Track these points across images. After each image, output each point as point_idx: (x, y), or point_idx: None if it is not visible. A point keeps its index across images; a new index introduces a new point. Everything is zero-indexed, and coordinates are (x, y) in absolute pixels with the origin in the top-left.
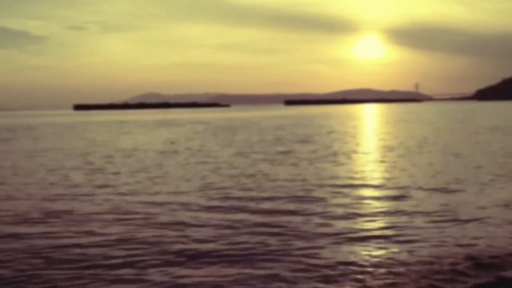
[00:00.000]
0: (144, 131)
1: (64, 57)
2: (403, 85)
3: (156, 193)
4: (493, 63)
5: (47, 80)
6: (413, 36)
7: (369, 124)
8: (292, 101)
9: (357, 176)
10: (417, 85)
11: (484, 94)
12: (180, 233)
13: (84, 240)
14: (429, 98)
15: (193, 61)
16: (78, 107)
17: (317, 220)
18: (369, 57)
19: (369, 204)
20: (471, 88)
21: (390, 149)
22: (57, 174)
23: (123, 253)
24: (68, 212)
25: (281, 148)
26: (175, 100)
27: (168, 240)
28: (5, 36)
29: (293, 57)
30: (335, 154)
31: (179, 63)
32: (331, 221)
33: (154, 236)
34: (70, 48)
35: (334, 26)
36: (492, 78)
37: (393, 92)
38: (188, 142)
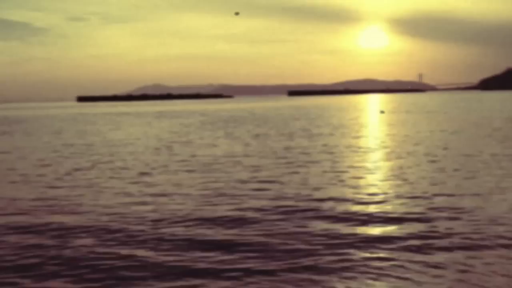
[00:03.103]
0: (146, 123)
1: (66, 49)
2: (407, 75)
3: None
4: (497, 53)
5: (50, 71)
6: (417, 26)
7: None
8: (295, 91)
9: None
10: (420, 75)
11: (488, 84)
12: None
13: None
14: (432, 88)
15: (196, 52)
16: (81, 99)
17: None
18: (373, 47)
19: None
20: (475, 77)
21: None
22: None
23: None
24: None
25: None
26: (178, 92)
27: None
28: (7, 27)
29: (297, 48)
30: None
31: (182, 54)
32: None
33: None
34: (71, 40)
35: (337, 16)
36: (496, 68)
37: (396, 82)
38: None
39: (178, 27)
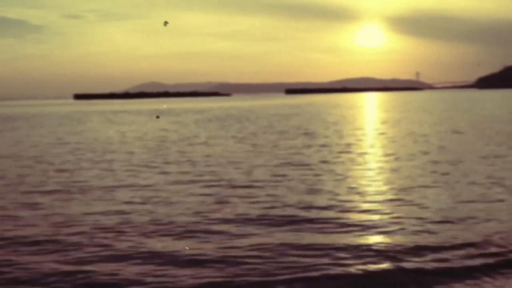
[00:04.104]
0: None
1: (62, 46)
2: (404, 73)
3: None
4: (494, 51)
5: (46, 69)
6: (414, 24)
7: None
8: (292, 90)
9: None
10: (417, 74)
11: (486, 82)
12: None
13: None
14: (429, 87)
15: (194, 50)
16: (78, 97)
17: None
18: (370, 45)
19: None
20: (472, 76)
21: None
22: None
23: None
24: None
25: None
26: (176, 89)
27: None
28: (3, 25)
29: (294, 46)
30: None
31: (179, 52)
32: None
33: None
34: (68, 37)
35: (335, 14)
36: (493, 66)
37: (393, 80)
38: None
39: (176, 25)
